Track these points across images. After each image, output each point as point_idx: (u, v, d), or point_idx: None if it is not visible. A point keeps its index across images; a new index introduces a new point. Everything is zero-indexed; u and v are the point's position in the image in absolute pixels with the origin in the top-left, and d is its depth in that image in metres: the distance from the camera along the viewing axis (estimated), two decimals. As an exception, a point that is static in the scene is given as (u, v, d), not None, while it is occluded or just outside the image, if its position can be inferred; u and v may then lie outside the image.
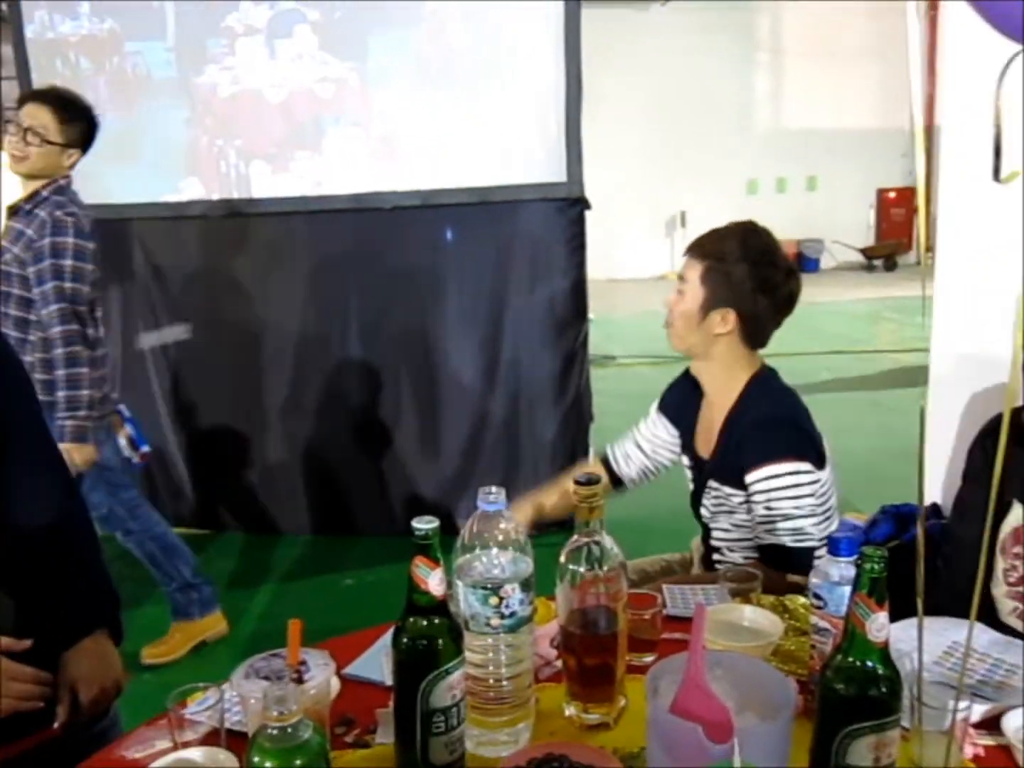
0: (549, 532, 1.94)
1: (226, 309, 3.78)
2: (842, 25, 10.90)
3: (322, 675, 0.93)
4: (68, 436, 2.41)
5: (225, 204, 3.67)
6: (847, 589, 0.97)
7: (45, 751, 1.23)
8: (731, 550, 1.74)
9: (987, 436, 1.47)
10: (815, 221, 12.22)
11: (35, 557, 1.24)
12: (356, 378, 3.77)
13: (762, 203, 12.18)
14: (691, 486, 1.82)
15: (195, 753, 0.96)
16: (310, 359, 3.78)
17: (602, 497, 1.06)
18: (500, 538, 1.03)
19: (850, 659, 0.87)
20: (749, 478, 1.60)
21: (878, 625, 0.86)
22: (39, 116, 2.46)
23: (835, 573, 1.07)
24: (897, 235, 12.70)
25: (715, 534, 1.75)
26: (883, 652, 0.87)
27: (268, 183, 3.64)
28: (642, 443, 1.92)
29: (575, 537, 1.08)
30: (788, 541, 1.58)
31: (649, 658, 1.25)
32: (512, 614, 1.00)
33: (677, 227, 12.67)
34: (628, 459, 1.93)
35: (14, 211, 2.51)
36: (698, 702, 0.85)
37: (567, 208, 3.52)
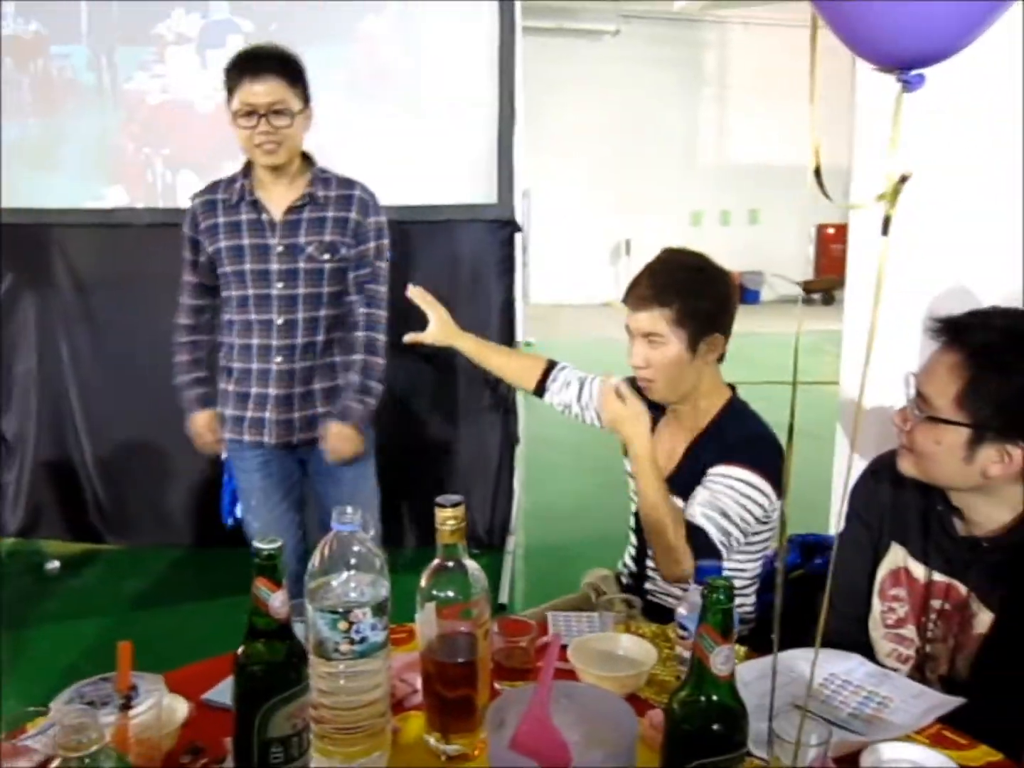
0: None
1: (147, 319, 3.69)
2: (785, 65, 11.09)
3: (151, 700, 0.89)
4: (355, 416, 2.25)
5: (150, 213, 3.59)
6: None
7: None
8: None
9: (870, 475, 1.48)
10: (757, 254, 12.42)
11: None
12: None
13: (706, 234, 12.37)
14: (635, 498, 1.76)
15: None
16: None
17: (463, 520, 1.03)
18: (354, 561, 0.99)
19: (694, 693, 0.86)
20: (713, 469, 1.59)
21: (722, 658, 0.84)
22: (275, 90, 2.09)
23: (699, 602, 1.05)
24: (836, 270, 12.95)
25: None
26: (728, 685, 0.86)
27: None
28: (584, 390, 1.90)
29: (436, 561, 1.05)
30: (708, 527, 1.55)
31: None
32: (363, 640, 0.97)
33: (622, 255, 12.79)
34: (566, 386, 1.92)
35: (295, 207, 2.21)
36: (538, 736, 0.83)
37: (497, 230, 3.51)
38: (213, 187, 2.28)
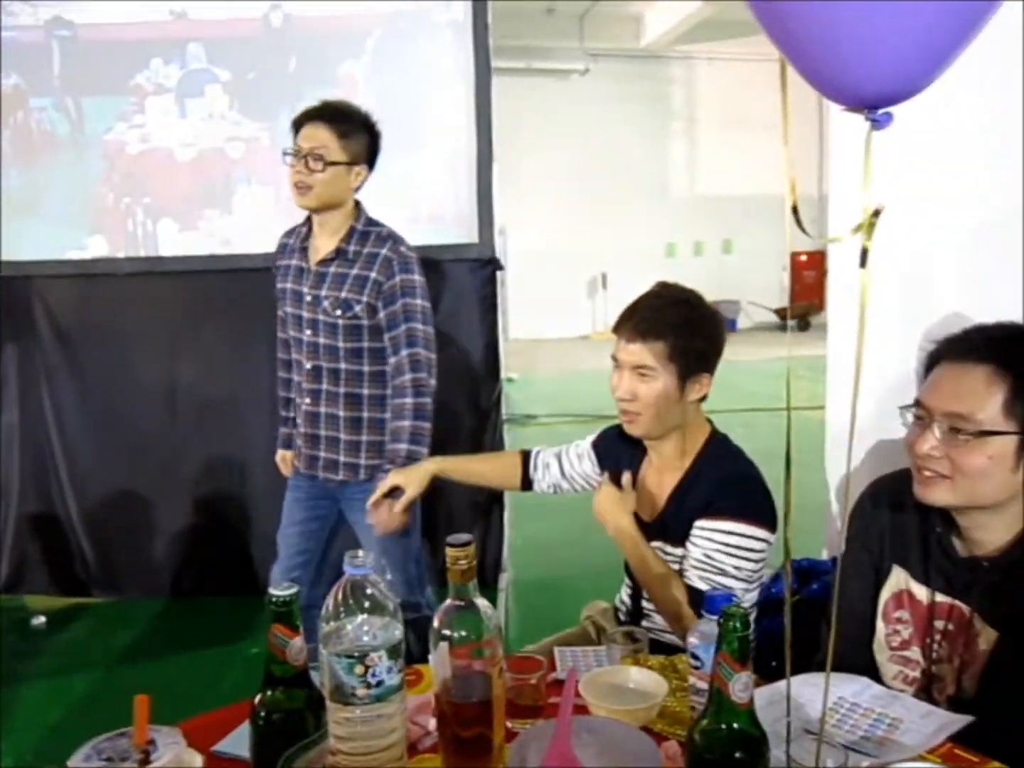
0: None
1: (129, 369, 3.68)
2: (750, 97, 11.37)
3: (170, 754, 0.88)
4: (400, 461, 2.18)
5: (131, 262, 3.60)
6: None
7: None
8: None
9: (869, 498, 1.49)
10: (731, 282, 12.58)
11: None
12: (270, 440, 3.68)
13: (680, 265, 12.53)
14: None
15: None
16: (220, 421, 3.68)
17: (473, 559, 1.04)
18: (367, 604, 0.99)
19: (715, 722, 0.86)
20: (702, 523, 1.58)
21: (741, 685, 0.85)
22: (316, 136, 2.16)
23: (710, 632, 1.06)
24: (809, 296, 13.14)
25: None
26: (748, 713, 0.86)
27: (176, 241, 3.59)
28: (564, 464, 1.93)
29: (448, 601, 1.05)
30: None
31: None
32: (379, 683, 0.97)
33: (599, 288, 12.91)
34: (546, 468, 1.94)
35: (326, 260, 2.24)
36: (562, 771, 0.83)
37: (479, 269, 3.54)
38: (291, 231, 2.38)
